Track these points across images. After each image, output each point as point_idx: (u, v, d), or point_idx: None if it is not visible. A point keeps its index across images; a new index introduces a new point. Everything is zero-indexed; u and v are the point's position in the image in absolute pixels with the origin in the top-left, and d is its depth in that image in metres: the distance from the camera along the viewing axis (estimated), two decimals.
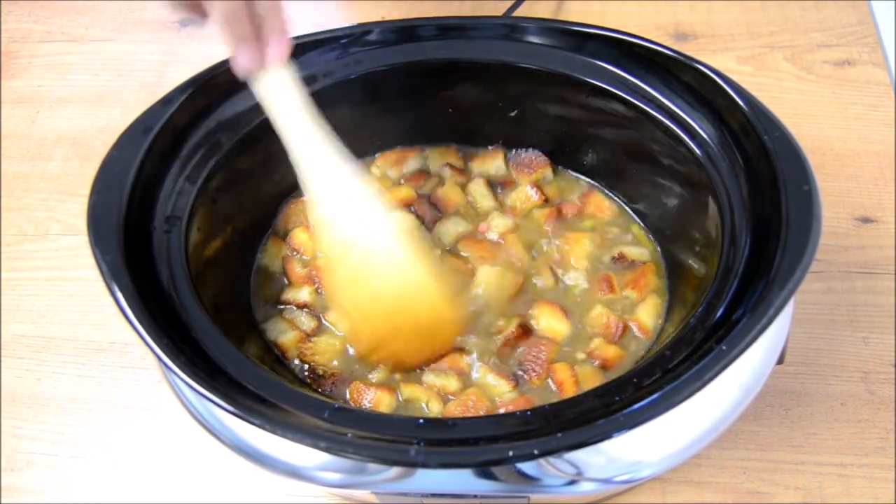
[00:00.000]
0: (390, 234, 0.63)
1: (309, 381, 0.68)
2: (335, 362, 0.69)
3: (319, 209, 0.64)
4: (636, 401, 0.50)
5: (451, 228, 0.76)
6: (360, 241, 0.63)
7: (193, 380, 0.51)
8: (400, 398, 0.66)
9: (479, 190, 0.78)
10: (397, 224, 0.65)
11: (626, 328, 0.69)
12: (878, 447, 0.74)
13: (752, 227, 0.58)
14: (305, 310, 0.72)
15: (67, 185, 0.98)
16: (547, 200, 0.78)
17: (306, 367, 0.68)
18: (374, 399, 0.65)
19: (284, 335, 0.70)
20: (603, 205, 0.77)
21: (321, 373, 0.68)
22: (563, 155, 0.80)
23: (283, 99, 0.60)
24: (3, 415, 0.81)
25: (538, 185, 0.78)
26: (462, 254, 0.74)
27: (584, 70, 0.69)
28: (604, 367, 0.67)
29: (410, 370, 0.68)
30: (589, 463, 0.56)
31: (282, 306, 0.73)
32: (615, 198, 0.78)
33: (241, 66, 0.57)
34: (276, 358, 0.69)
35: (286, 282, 0.74)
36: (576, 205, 0.77)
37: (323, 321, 0.71)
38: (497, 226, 0.76)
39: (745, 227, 0.59)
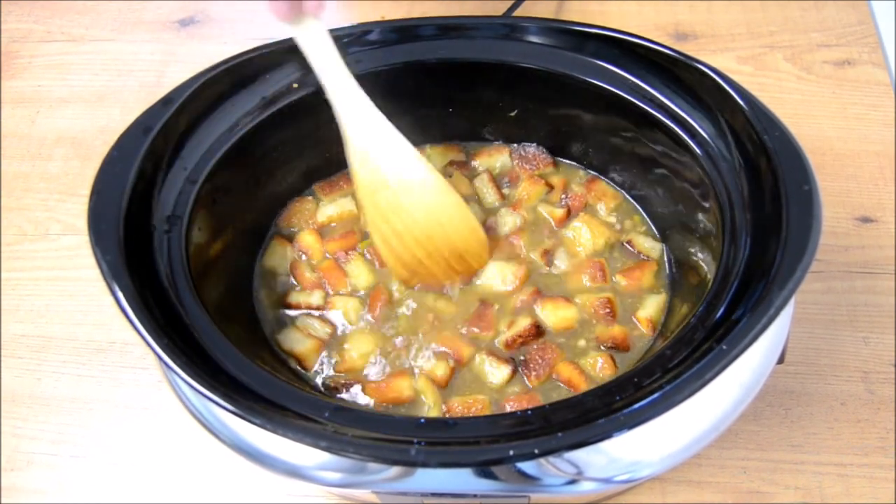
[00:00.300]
0: (422, 163, 0.69)
1: (326, 393, 0.68)
2: (371, 360, 0.69)
3: (356, 144, 0.68)
4: (636, 400, 0.50)
5: None
6: (395, 171, 0.68)
7: (193, 379, 0.51)
8: (415, 385, 0.67)
9: (484, 185, 0.79)
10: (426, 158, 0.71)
11: (611, 303, 0.70)
12: (878, 447, 0.74)
13: (752, 227, 0.58)
14: (317, 316, 0.71)
15: (67, 185, 0.98)
16: (552, 188, 0.78)
17: (319, 380, 0.68)
18: (393, 386, 0.66)
19: (301, 344, 0.69)
20: (607, 192, 0.78)
21: (332, 384, 0.68)
22: (563, 154, 0.80)
23: (319, 47, 0.66)
24: (3, 415, 0.81)
25: (542, 177, 0.79)
26: None
27: (584, 70, 0.69)
28: (615, 348, 0.68)
29: (442, 288, 0.72)
30: (589, 462, 0.56)
31: (291, 311, 0.72)
32: (619, 189, 0.78)
33: (279, 13, 0.63)
34: (291, 370, 0.69)
35: (295, 285, 0.74)
36: (582, 195, 0.77)
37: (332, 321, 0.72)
38: (506, 223, 0.76)
39: (745, 227, 0.59)
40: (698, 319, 0.56)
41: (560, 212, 0.76)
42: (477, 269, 0.73)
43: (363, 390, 0.67)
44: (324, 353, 0.70)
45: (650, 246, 0.74)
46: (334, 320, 0.71)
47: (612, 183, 0.79)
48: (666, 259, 0.74)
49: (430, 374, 0.67)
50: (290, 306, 0.72)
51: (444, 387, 0.67)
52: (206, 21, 1.15)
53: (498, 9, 1.00)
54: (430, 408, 0.66)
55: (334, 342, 0.70)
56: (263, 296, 0.73)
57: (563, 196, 0.78)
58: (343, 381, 0.68)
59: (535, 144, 0.80)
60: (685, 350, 0.54)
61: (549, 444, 0.48)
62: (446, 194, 0.70)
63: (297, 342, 0.69)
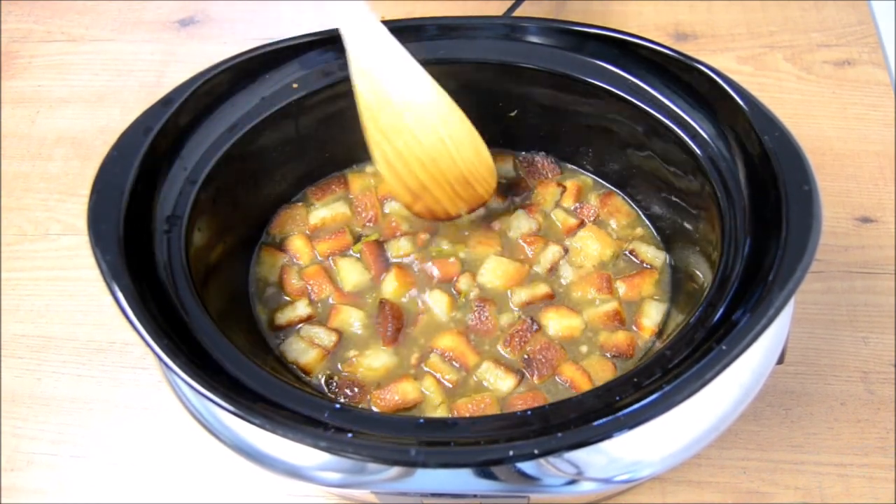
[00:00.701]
0: (429, 82, 0.66)
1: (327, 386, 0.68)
2: (379, 381, 0.68)
3: (359, 61, 0.66)
4: (636, 401, 0.50)
5: (465, 217, 0.76)
6: (400, 90, 0.66)
7: (193, 380, 0.51)
8: (421, 386, 0.67)
9: None
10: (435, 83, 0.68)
11: (619, 314, 0.70)
12: (878, 447, 0.74)
13: (752, 227, 0.58)
14: (322, 326, 0.70)
15: (67, 185, 0.98)
16: (565, 189, 0.78)
17: (323, 382, 0.68)
18: (399, 390, 0.66)
19: (306, 355, 0.68)
20: (622, 208, 0.77)
21: (336, 381, 0.68)
22: (564, 154, 0.80)
23: None
24: (3, 415, 0.81)
25: (558, 183, 0.79)
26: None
27: (583, 70, 0.69)
28: (617, 355, 0.68)
29: (450, 219, 0.73)
30: (589, 463, 0.56)
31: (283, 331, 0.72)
32: (629, 201, 0.78)
33: None
34: (297, 377, 0.68)
35: (284, 298, 0.73)
36: (594, 208, 0.77)
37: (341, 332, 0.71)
38: (520, 227, 0.76)
39: (745, 227, 0.59)
40: (698, 320, 0.56)
41: (573, 221, 0.76)
42: (483, 197, 0.72)
43: (369, 397, 0.66)
44: (328, 363, 0.69)
45: (653, 255, 0.74)
46: (338, 328, 0.71)
47: (626, 197, 0.78)
48: (668, 267, 0.74)
49: (441, 376, 0.67)
50: (279, 328, 0.71)
51: (453, 388, 0.67)
52: (206, 21, 1.15)
53: (498, 9, 1.00)
54: (438, 406, 0.65)
55: (340, 351, 0.70)
56: (259, 308, 0.73)
57: (577, 205, 0.77)
58: (346, 379, 0.67)
59: (542, 153, 0.80)
60: (685, 350, 0.54)
61: (548, 444, 0.48)
62: (453, 115, 0.67)
63: (301, 353, 0.69)
